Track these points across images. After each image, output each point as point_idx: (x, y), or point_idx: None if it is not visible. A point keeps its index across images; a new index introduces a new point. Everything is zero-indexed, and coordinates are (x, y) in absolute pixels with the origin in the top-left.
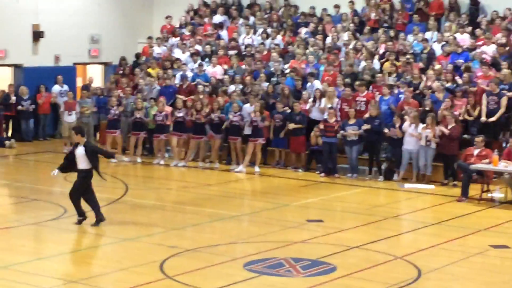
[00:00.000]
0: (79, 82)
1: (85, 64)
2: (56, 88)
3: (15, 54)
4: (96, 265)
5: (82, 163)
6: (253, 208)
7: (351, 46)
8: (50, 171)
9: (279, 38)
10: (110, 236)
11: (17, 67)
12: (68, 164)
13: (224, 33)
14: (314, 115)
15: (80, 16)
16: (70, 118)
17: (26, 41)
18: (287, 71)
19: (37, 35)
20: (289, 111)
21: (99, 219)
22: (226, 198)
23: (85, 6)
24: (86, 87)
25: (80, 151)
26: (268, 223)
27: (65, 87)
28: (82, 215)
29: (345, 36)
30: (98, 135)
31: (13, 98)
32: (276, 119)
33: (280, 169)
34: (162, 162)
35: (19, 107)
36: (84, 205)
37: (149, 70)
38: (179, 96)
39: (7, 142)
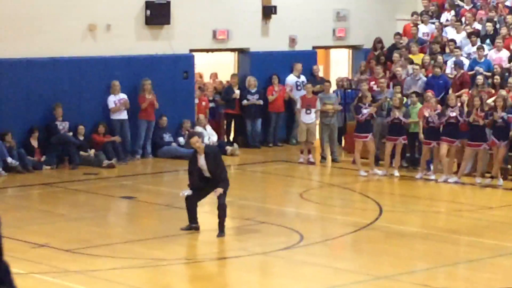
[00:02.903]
0: (321, 72)
1: (329, 47)
2: (291, 78)
3: (239, 36)
4: None
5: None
6: None
7: None
8: (282, 186)
9: None
10: (360, 272)
11: (242, 52)
12: (200, 180)
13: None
14: None
15: None
16: (308, 118)
17: (254, 19)
18: None
19: (268, 12)
20: None
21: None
22: None
23: None
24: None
25: (202, 161)
26: None
27: (303, 78)
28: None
29: None
30: (343, 140)
31: (237, 92)
32: None
33: None
34: (432, 176)
35: (244, 103)
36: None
37: (412, 55)
38: (451, 92)
39: (228, 148)
